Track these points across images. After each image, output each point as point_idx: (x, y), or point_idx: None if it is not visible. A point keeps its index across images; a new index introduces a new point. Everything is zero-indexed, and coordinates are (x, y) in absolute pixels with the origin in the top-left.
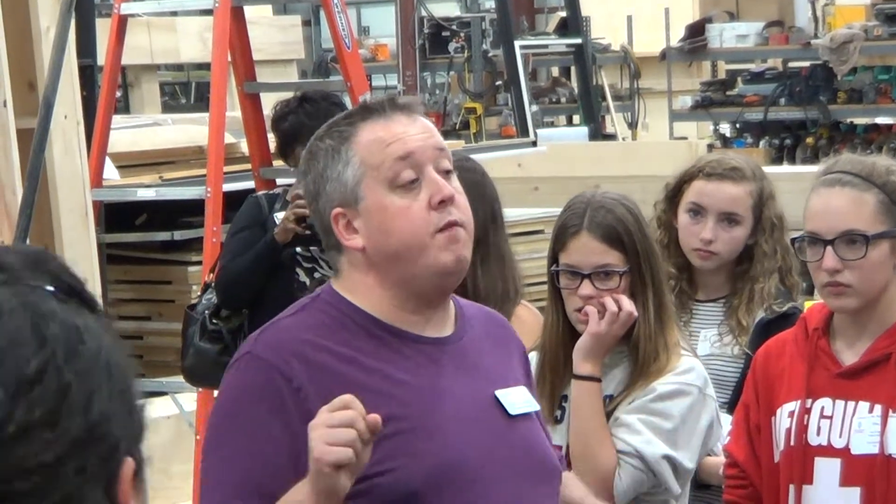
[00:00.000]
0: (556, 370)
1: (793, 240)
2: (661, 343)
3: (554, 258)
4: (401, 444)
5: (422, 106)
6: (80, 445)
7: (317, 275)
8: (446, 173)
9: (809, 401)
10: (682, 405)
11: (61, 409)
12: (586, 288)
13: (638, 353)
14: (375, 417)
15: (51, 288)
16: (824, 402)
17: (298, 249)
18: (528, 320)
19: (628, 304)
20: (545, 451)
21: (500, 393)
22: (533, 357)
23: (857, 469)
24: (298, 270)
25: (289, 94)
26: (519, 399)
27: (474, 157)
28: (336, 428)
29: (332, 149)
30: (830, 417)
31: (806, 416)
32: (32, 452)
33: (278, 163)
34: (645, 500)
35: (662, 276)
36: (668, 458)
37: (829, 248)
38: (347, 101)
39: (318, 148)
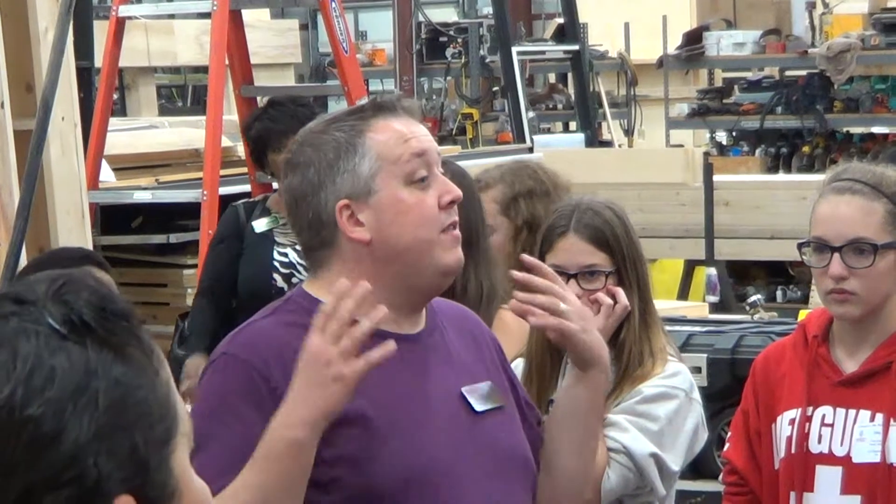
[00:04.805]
0: (543, 374)
1: (799, 244)
2: (647, 348)
3: (541, 260)
4: (369, 443)
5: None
6: (47, 484)
7: (294, 280)
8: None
9: (810, 409)
10: (669, 408)
11: (15, 449)
12: (572, 288)
13: (622, 357)
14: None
15: (56, 325)
16: (825, 410)
17: (276, 255)
18: (513, 326)
19: (624, 297)
20: (515, 445)
21: (466, 389)
22: (519, 364)
23: (858, 477)
24: (276, 276)
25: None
26: (485, 395)
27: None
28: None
29: (344, 141)
30: (831, 425)
31: (807, 424)
32: None
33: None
34: (629, 502)
35: (648, 281)
36: (654, 457)
37: (836, 255)
38: (344, 103)
39: (323, 140)
